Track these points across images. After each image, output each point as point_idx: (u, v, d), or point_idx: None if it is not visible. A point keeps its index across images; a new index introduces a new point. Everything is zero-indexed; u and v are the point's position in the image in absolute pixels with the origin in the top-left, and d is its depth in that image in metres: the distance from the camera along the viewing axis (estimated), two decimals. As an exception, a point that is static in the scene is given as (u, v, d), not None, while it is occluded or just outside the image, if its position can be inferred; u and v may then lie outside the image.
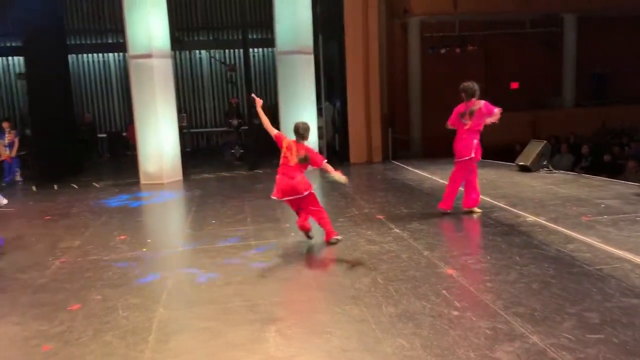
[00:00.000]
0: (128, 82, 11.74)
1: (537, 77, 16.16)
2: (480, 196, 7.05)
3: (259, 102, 6.32)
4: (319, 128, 12.47)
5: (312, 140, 11.73)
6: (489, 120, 6.61)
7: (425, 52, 15.11)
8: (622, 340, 3.41)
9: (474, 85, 6.63)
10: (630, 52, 16.15)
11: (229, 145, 14.40)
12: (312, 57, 11.76)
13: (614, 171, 10.97)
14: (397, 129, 14.24)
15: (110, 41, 16.79)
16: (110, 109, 17.23)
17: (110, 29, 16.66)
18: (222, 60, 17.09)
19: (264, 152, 12.95)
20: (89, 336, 3.86)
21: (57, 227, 7.40)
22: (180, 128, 12.99)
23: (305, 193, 5.79)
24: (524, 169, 9.95)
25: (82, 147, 14.76)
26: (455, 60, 15.17)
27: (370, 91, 12.53)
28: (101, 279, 5.12)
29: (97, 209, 8.50)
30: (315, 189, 10.01)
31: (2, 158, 11.70)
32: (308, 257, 5.51)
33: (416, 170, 10.81)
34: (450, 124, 6.85)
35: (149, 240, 6.51)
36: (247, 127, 13.00)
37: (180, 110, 14.79)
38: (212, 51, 17.16)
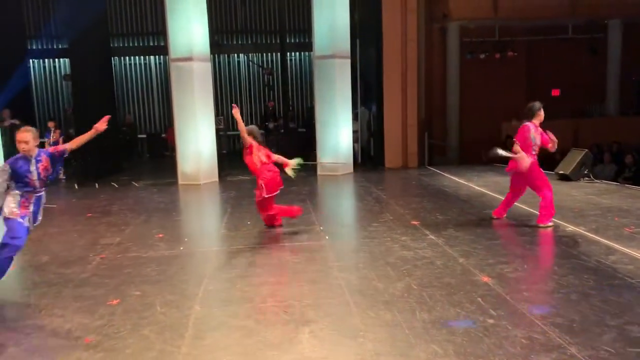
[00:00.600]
0: (168, 85, 12.01)
1: (580, 84, 15.78)
2: (517, 204, 6.98)
3: (236, 110, 6.96)
4: (354, 132, 12.49)
5: (348, 145, 11.79)
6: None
7: (464, 57, 14.94)
8: (665, 355, 3.30)
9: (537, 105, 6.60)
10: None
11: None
12: (349, 61, 11.80)
13: (659, 182, 10.60)
14: (434, 134, 14.13)
15: (151, 44, 17.22)
16: (151, 111, 17.65)
17: (152, 32, 17.10)
18: (260, 64, 17.30)
19: (298, 155, 13.06)
20: (128, 330, 3.97)
21: (98, 224, 7.62)
22: (217, 130, 13.23)
23: None
24: (564, 177, 9.73)
25: (123, 147, 15.15)
26: (494, 66, 14.96)
27: (407, 96, 12.49)
28: (140, 275, 5.25)
29: (137, 208, 8.72)
30: (347, 193, 10.05)
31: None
32: (342, 260, 5.52)
33: (452, 177, 10.70)
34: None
35: (185, 239, 6.64)
36: (283, 130, 13.11)
37: (217, 113, 15.06)
38: (250, 55, 17.39)
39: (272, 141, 14.56)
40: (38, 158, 4.88)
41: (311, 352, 3.55)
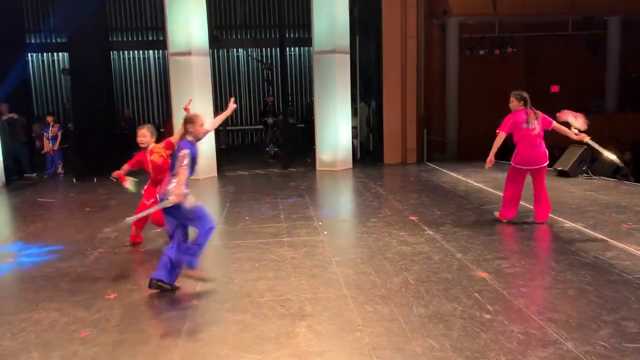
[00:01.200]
0: (167, 79, 11.98)
1: (579, 81, 15.76)
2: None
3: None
4: (353, 128, 12.48)
5: (347, 140, 11.78)
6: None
7: (463, 53, 14.91)
8: (661, 351, 3.31)
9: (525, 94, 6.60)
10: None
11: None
12: (348, 56, 11.77)
13: (658, 179, 10.60)
14: (433, 130, 14.11)
15: (150, 39, 17.17)
16: (149, 105, 17.62)
17: (150, 26, 17.05)
18: (259, 59, 17.26)
19: (298, 150, 13.07)
20: (125, 324, 3.97)
21: (96, 219, 7.61)
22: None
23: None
24: (563, 174, 9.73)
25: (122, 141, 15.11)
26: (493, 62, 14.93)
27: (406, 92, 12.47)
28: (137, 269, 5.26)
29: (135, 202, 8.68)
30: (345, 188, 10.05)
31: (45, 150, 12.10)
32: (340, 255, 5.52)
33: (451, 173, 10.70)
34: (504, 132, 6.43)
35: (184, 234, 6.63)
36: (282, 126, 13.09)
37: (216, 108, 15.01)
38: (249, 50, 17.35)
39: (270, 137, 14.57)
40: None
41: (308, 346, 3.55)
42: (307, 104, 16.40)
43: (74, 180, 11.20)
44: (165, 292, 4.55)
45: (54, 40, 16.86)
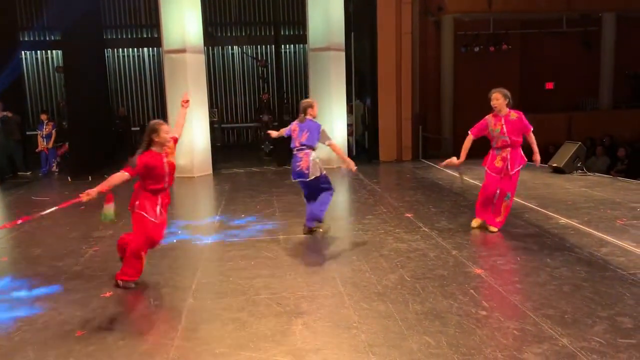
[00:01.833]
0: (162, 77, 11.94)
1: (573, 78, 15.80)
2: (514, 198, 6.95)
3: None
4: (349, 125, 12.47)
5: (342, 138, 11.78)
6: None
7: (458, 50, 14.91)
8: (656, 346, 3.33)
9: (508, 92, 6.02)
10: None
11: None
12: (343, 54, 11.76)
13: (651, 175, 10.65)
14: (428, 127, 14.12)
15: (145, 36, 17.09)
16: (144, 103, 17.54)
17: (145, 24, 16.97)
18: (254, 56, 17.22)
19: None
20: (121, 323, 3.96)
21: (91, 217, 7.56)
22: (211, 123, 13.17)
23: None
24: (558, 170, 9.76)
25: (116, 139, 15.07)
26: (489, 59, 14.94)
27: (401, 89, 12.47)
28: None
29: (130, 201, 8.65)
30: (341, 186, 10.04)
31: (40, 149, 12.05)
32: (335, 252, 5.52)
33: (446, 170, 10.71)
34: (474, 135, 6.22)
35: (179, 232, 6.62)
36: (277, 123, 13.06)
37: (211, 105, 15.00)
38: (244, 47, 17.31)
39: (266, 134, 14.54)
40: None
41: (304, 343, 3.55)
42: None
43: (69, 178, 11.15)
44: (161, 290, 4.54)
45: (47, 38, 16.75)
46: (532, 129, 5.88)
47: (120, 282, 4.65)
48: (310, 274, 4.89)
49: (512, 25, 15.42)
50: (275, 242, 5.91)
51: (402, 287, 4.49)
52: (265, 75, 16.83)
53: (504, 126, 5.87)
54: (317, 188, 6.15)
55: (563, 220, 6.43)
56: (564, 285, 4.35)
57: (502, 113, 5.89)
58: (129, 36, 17.23)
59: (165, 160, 4.94)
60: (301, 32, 15.68)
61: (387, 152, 12.51)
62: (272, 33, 15.80)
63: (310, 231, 6.25)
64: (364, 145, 13.64)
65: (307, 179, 6.01)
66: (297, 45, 17.18)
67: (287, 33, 16.81)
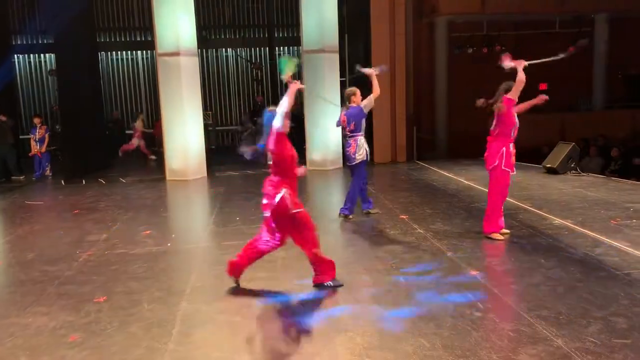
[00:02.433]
0: (156, 80, 11.90)
1: (567, 78, 15.83)
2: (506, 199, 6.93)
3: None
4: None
5: (337, 140, 11.77)
6: (509, 65, 5.79)
7: (452, 51, 14.94)
8: (650, 346, 3.33)
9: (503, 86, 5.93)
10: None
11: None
12: (337, 56, 11.76)
13: (645, 175, 10.69)
14: (422, 128, 14.14)
15: (138, 39, 17.06)
16: (138, 106, 17.49)
17: (139, 27, 16.94)
18: (248, 59, 17.21)
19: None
20: (114, 327, 3.94)
21: (85, 221, 7.54)
22: (206, 126, 13.14)
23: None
24: (551, 171, 9.79)
25: (110, 143, 15.02)
26: (482, 61, 14.96)
27: (396, 90, 12.48)
28: (127, 272, 5.21)
29: (124, 204, 8.65)
30: (336, 188, 10.04)
31: (33, 153, 11.99)
32: (331, 255, 5.49)
33: (441, 171, 10.73)
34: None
35: (173, 236, 6.60)
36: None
37: (206, 108, 14.97)
38: (238, 49, 17.30)
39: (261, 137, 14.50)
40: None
41: (300, 347, 3.54)
42: (298, 103, 16.37)
43: (62, 182, 11.10)
44: (155, 295, 4.52)
45: (40, 42, 16.69)
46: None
47: (330, 283, 4.52)
48: (305, 277, 4.86)
49: (506, 27, 15.46)
50: (270, 245, 5.87)
51: (397, 289, 4.48)
52: (259, 78, 16.82)
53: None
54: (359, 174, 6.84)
55: (557, 220, 6.44)
56: (558, 286, 4.35)
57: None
58: (123, 39, 17.19)
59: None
60: (295, 34, 15.67)
61: (382, 153, 12.51)
62: (266, 35, 15.82)
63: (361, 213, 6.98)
64: (358, 147, 13.63)
65: (353, 163, 6.76)
66: (291, 48, 17.18)
67: (281, 35, 16.81)
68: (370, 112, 12.44)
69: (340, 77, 12.04)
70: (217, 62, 17.43)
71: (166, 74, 10.75)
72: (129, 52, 17.27)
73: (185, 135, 10.78)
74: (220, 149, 16.22)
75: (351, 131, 6.79)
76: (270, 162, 4.63)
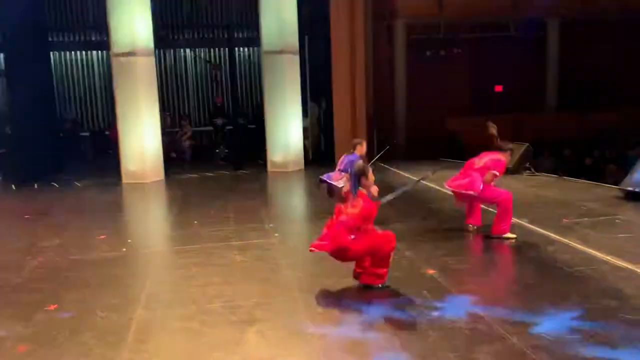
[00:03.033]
0: (112, 80, 11.60)
1: (521, 81, 16.28)
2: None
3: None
4: (304, 128, 12.46)
5: (298, 141, 11.75)
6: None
7: (410, 53, 15.13)
8: (600, 341, 3.43)
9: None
10: (612, 58, 16.36)
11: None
12: (297, 57, 11.74)
13: (595, 174, 11.08)
14: (383, 129, 14.26)
15: (93, 39, 16.60)
16: (94, 107, 17.02)
17: (93, 26, 16.48)
18: (207, 59, 16.99)
19: (248, 152, 12.92)
20: (66, 337, 3.80)
21: (36, 226, 7.27)
22: (164, 128, 12.90)
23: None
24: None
25: (64, 145, 14.56)
26: (440, 63, 15.22)
27: (356, 92, 12.54)
28: (80, 278, 5.04)
29: (79, 208, 8.39)
30: (297, 189, 10.00)
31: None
32: (291, 257, 5.48)
33: (400, 172, 10.84)
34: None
35: (129, 240, 6.42)
36: (231, 127, 12.93)
37: (163, 110, 14.69)
38: (196, 50, 17.05)
39: (220, 138, 14.37)
40: None
41: (258, 351, 3.50)
42: (257, 105, 16.26)
43: (13, 186, 10.67)
44: (108, 302, 4.39)
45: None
46: None
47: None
48: (265, 280, 4.83)
49: (463, 30, 15.78)
50: (229, 249, 5.80)
51: (357, 290, 4.49)
52: (218, 78, 16.62)
53: None
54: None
55: (512, 219, 6.57)
56: (513, 284, 4.45)
57: None
58: (76, 39, 16.69)
59: None
60: (255, 35, 15.56)
61: (343, 154, 12.48)
62: (226, 36, 15.64)
63: None
64: (320, 147, 13.65)
65: (332, 183, 6.75)
66: (251, 48, 17.04)
67: (240, 36, 16.66)
68: (331, 113, 12.64)
69: (301, 77, 12.01)
70: (175, 63, 17.13)
71: (122, 75, 10.50)
72: (83, 52, 16.77)
73: (141, 137, 10.55)
74: (179, 151, 15.92)
75: (341, 170, 6.99)
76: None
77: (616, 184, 8.10)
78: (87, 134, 16.54)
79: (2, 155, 12.16)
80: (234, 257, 5.50)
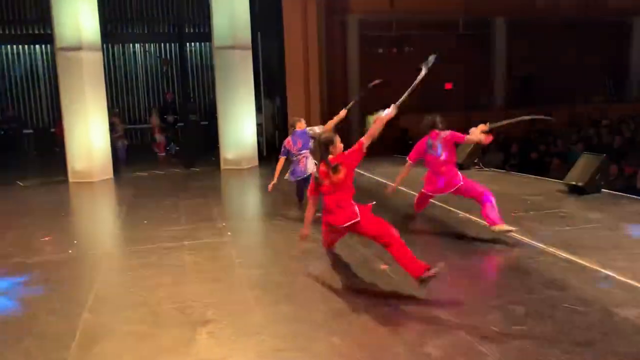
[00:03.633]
0: (56, 76, 11.17)
1: (470, 79, 16.69)
2: (406, 190, 7.27)
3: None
4: (258, 125, 12.37)
5: (252, 138, 11.64)
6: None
7: (363, 50, 15.26)
8: (544, 331, 3.56)
9: (432, 118, 6.28)
10: (554, 56, 17.01)
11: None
12: (250, 52, 11.60)
13: (540, 169, 11.48)
14: (337, 126, 14.33)
15: (36, 32, 15.94)
16: (38, 103, 16.36)
17: (36, 19, 15.83)
18: (157, 55, 16.61)
19: (200, 149, 12.72)
20: (6, 344, 3.64)
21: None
22: (112, 124, 12.54)
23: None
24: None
25: (6, 143, 13.96)
26: (392, 60, 15.42)
27: (310, 88, 12.55)
28: (21, 282, 4.83)
29: (21, 209, 8.05)
30: (251, 187, 9.90)
31: None
32: (244, 256, 5.42)
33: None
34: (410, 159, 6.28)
35: (75, 242, 6.20)
36: (183, 124, 12.69)
37: (112, 106, 14.27)
38: (146, 45, 16.64)
39: (171, 135, 14.07)
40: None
41: (209, 353, 3.45)
42: (210, 101, 16.03)
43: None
44: (53, 306, 4.23)
45: None
46: None
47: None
48: (217, 280, 4.76)
49: (414, 27, 16.03)
50: (180, 249, 5.69)
51: (310, 288, 4.49)
52: (169, 74, 16.28)
53: None
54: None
55: (462, 214, 6.73)
56: (462, 278, 4.55)
57: None
58: (19, 32, 15.98)
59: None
60: (206, 30, 15.31)
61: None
62: (176, 30, 15.32)
63: None
64: (274, 144, 13.57)
65: (304, 176, 6.76)
66: (202, 43, 16.77)
67: (191, 31, 16.36)
68: (285, 109, 12.58)
69: (254, 74, 11.89)
70: (124, 58, 16.66)
71: (67, 70, 10.12)
72: (25, 45, 16.08)
73: (89, 134, 10.21)
74: (129, 148, 15.51)
75: (298, 150, 6.96)
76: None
77: (560, 179, 8.40)
78: (31, 131, 15.91)
79: None
80: (185, 257, 5.40)
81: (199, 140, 13.25)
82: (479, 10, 15.80)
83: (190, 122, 12.77)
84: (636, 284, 4.28)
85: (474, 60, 16.63)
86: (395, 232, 4.36)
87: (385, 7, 14.79)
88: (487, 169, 10.27)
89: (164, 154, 13.64)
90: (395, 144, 13.67)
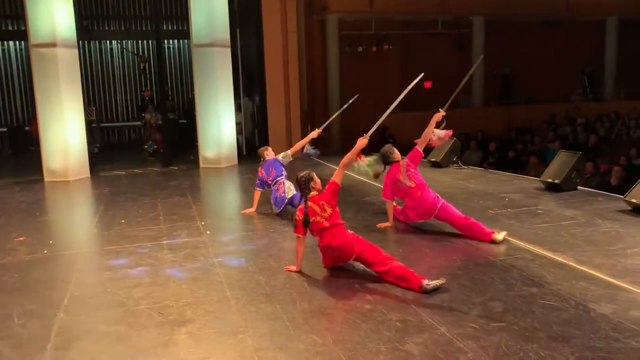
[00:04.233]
0: (31, 73, 10.94)
1: (449, 77, 16.79)
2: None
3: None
4: (238, 123, 12.29)
5: (231, 136, 11.55)
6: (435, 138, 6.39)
7: (343, 50, 15.27)
8: (522, 327, 3.59)
9: (387, 149, 6.27)
10: (532, 55, 17.25)
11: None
12: (229, 50, 11.52)
13: (518, 167, 11.64)
14: (317, 125, 14.29)
15: (10, 28, 15.61)
16: (12, 101, 16.02)
17: (10, 14, 15.49)
18: (135, 52, 16.40)
19: (178, 147, 12.59)
20: (-22, 347, 3.55)
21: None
22: (89, 122, 12.34)
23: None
24: (435, 164, 10.32)
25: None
26: (372, 59, 15.45)
27: (289, 87, 12.50)
28: (-7, 284, 4.73)
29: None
30: (231, 186, 9.81)
31: None
32: (223, 255, 5.38)
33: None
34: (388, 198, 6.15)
35: (50, 242, 6.08)
36: (160, 122, 12.53)
37: (89, 104, 14.05)
38: (123, 42, 16.41)
39: (149, 133, 13.88)
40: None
41: (187, 353, 3.40)
42: (188, 99, 15.89)
43: None
44: (27, 307, 4.14)
45: None
46: None
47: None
48: (195, 279, 4.71)
49: (393, 26, 16.09)
50: (158, 248, 5.62)
51: (290, 286, 4.47)
52: (146, 71, 16.08)
53: None
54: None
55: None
56: (441, 275, 4.55)
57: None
58: (-10, 27, 15.62)
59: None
60: (184, 28, 15.16)
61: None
62: (154, 28, 15.14)
63: None
64: (254, 143, 13.51)
65: (286, 201, 6.65)
66: (180, 41, 16.61)
67: (169, 28, 16.19)
68: (265, 108, 12.51)
69: (233, 72, 11.81)
70: (100, 55, 16.41)
71: (41, 67, 9.92)
72: (-1, 42, 15.74)
73: (64, 132, 10.03)
74: (106, 147, 15.30)
75: (273, 179, 6.93)
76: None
77: (537, 176, 8.51)
78: (4, 129, 15.59)
79: None
80: (163, 257, 5.33)
81: (178, 139, 13.12)
82: (458, 9, 15.94)
83: (169, 121, 12.63)
84: (612, 280, 4.35)
85: (453, 59, 16.77)
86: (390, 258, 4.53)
87: (365, 7, 14.83)
88: (465, 167, 10.36)
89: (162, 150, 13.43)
90: (376, 141, 13.70)
